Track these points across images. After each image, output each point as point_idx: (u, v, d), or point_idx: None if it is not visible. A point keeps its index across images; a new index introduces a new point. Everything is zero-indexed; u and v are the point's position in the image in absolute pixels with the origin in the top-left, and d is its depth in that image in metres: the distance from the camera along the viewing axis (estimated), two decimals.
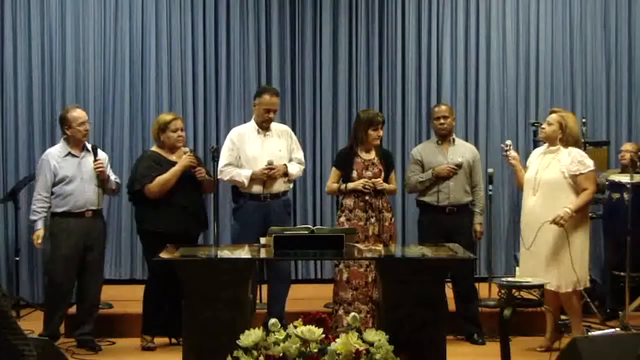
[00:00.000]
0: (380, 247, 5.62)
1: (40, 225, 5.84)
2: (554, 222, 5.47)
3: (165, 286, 5.66)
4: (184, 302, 4.54)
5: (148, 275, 6.11)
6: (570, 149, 5.63)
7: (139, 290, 6.08)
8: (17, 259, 6.94)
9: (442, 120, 6.15)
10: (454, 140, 6.22)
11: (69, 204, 5.81)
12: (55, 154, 5.92)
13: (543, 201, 5.58)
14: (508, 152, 5.86)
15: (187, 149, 5.96)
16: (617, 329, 5.60)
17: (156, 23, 7.50)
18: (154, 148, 6.04)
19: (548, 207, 5.53)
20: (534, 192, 5.62)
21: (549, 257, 5.55)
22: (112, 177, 6.05)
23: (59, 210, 5.82)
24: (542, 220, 5.50)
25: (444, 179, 6.06)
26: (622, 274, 6.24)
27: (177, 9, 7.53)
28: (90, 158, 5.91)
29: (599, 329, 5.94)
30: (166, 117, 6.05)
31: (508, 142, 5.97)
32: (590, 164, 5.59)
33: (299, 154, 6.26)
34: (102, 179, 5.89)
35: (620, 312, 5.96)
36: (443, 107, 6.27)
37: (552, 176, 5.58)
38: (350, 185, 5.94)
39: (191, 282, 4.53)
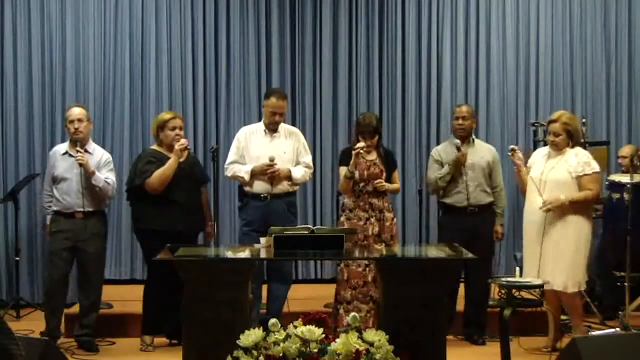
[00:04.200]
0: (381, 246, 5.61)
1: (49, 220, 5.91)
2: (544, 205, 5.49)
3: (165, 286, 5.66)
4: (184, 302, 4.54)
5: (147, 275, 6.11)
6: (577, 149, 5.66)
7: (139, 290, 6.08)
8: (17, 259, 6.94)
9: (460, 121, 6.10)
10: (473, 140, 6.19)
11: (58, 204, 5.82)
12: (58, 151, 5.96)
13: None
14: (513, 154, 5.78)
15: (183, 141, 5.86)
16: (617, 329, 5.62)
17: (156, 23, 7.50)
18: (154, 146, 6.06)
19: (555, 207, 5.54)
20: (539, 193, 5.60)
21: (557, 257, 5.55)
22: (102, 176, 5.83)
23: (54, 209, 5.85)
24: (549, 220, 5.53)
25: (462, 172, 6.00)
26: (622, 274, 6.24)
27: (177, 9, 7.52)
28: (89, 158, 5.82)
29: (599, 329, 5.94)
30: (165, 115, 6.05)
31: (512, 146, 5.93)
32: (595, 166, 5.61)
33: (307, 158, 6.18)
34: (86, 172, 5.75)
35: (620, 312, 5.98)
36: (464, 108, 6.21)
37: (559, 176, 5.57)
38: (352, 163, 5.80)
39: (191, 282, 4.53)
